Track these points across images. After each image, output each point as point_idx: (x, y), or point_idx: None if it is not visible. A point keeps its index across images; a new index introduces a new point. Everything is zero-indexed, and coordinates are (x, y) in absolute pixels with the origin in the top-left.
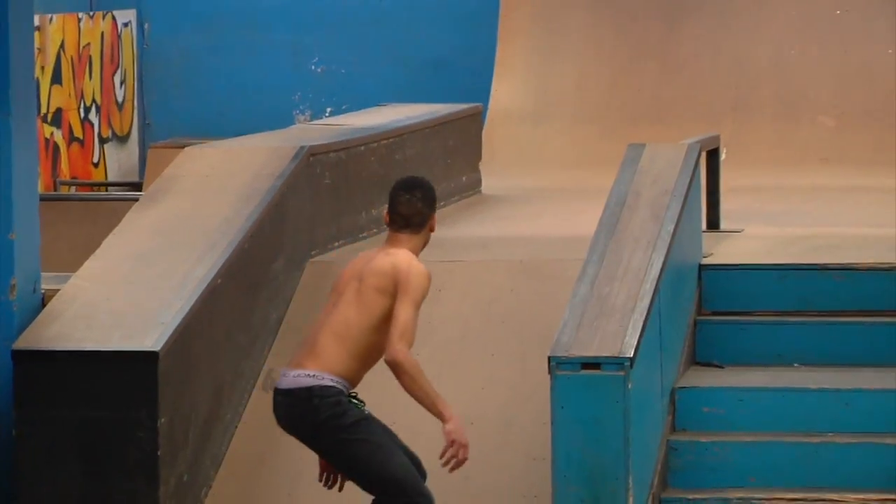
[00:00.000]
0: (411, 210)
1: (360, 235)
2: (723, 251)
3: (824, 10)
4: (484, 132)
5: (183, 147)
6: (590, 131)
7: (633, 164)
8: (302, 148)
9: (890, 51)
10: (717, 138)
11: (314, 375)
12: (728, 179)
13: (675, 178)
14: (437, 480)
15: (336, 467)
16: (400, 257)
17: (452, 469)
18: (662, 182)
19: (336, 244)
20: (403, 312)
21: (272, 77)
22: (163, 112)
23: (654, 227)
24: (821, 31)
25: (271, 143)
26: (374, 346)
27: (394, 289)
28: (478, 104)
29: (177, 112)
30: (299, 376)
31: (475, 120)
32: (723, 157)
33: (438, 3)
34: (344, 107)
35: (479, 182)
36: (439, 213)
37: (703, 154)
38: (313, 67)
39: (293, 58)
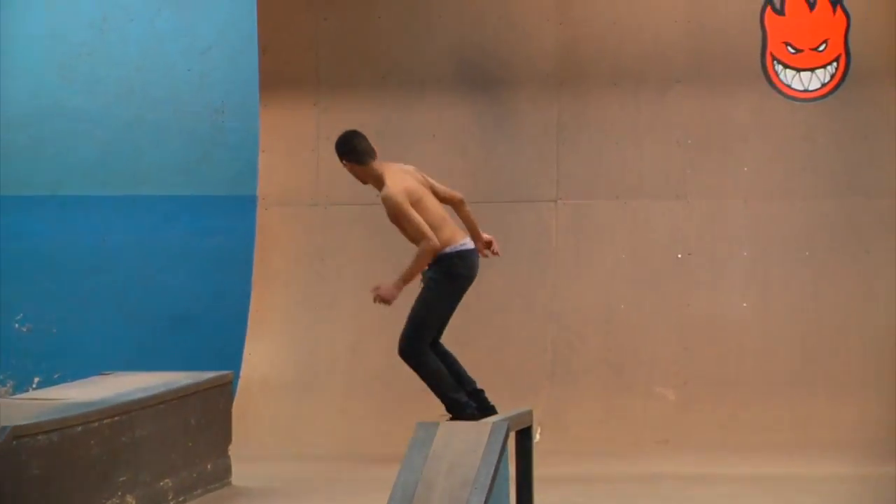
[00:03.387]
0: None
1: None
2: None
3: (663, 253)
4: (234, 406)
5: None
6: (368, 405)
7: (423, 446)
8: (3, 429)
9: (744, 304)
10: (529, 415)
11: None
12: (543, 466)
13: (477, 466)
14: None
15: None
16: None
17: (375, 299)
18: (461, 470)
19: None
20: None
21: None
22: None
23: None
24: (658, 277)
25: None
26: None
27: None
28: (227, 372)
29: None
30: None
31: (224, 392)
32: (537, 438)
33: (179, 241)
34: (56, 375)
35: (228, 470)
36: None
37: (513, 434)
38: (17, 326)
39: None
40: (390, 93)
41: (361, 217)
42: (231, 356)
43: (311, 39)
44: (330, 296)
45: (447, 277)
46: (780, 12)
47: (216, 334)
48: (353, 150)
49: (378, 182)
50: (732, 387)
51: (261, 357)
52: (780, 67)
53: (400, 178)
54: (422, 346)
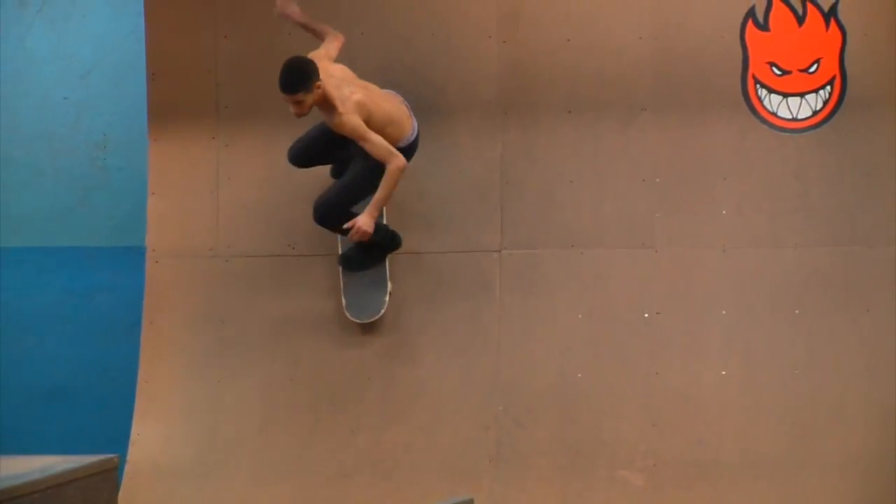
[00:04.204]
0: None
1: None
2: None
3: (627, 311)
4: (121, 497)
5: None
6: (279, 496)
7: None
8: None
9: (724, 372)
10: (469, 503)
11: None
12: None
13: None
14: None
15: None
16: None
17: (352, 235)
18: None
19: None
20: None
21: None
22: None
23: None
24: (622, 340)
25: None
26: None
27: None
28: (112, 456)
29: None
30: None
31: (108, 478)
32: None
33: (53, 300)
34: None
35: None
36: None
37: None
38: None
39: None
40: (304, 124)
41: (268, 270)
42: (116, 437)
43: (208, 61)
44: (233, 364)
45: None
46: (764, 27)
47: (98, 411)
48: (310, 75)
49: (326, 104)
50: (710, 469)
51: (151, 438)
52: (763, 92)
53: (347, 93)
54: (343, 219)
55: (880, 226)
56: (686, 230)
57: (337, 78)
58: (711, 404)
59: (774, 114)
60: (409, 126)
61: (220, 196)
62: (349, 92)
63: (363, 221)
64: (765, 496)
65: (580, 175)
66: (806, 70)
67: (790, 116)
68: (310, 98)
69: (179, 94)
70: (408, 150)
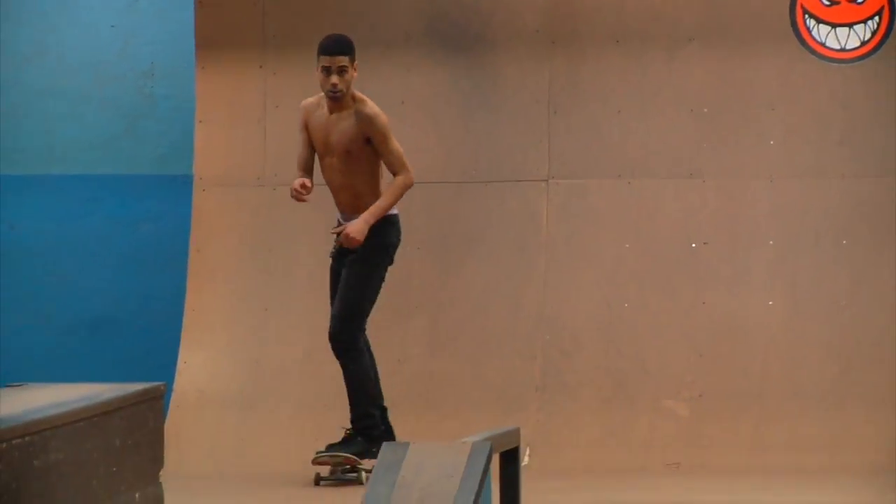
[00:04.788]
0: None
1: None
2: None
3: (674, 242)
4: (167, 425)
5: None
6: (324, 423)
7: (390, 471)
8: None
9: (770, 302)
10: (515, 434)
11: None
12: (532, 493)
13: (454, 494)
14: None
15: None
16: None
17: (343, 240)
18: (435, 500)
19: None
20: None
21: None
22: None
23: None
24: (668, 271)
25: None
26: None
27: None
28: (158, 384)
29: None
30: None
31: (154, 407)
32: (525, 461)
33: (100, 230)
34: None
35: (159, 500)
36: None
37: (496, 457)
38: None
39: None
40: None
41: (315, 198)
42: (163, 365)
43: None
44: (279, 293)
45: (383, 247)
46: None
47: (144, 340)
48: (355, 47)
49: (353, 97)
50: (755, 400)
51: (197, 366)
52: (812, 22)
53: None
54: (359, 333)
55: None
56: (733, 160)
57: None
58: (757, 335)
59: (822, 44)
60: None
61: (267, 124)
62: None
63: (354, 229)
64: (809, 427)
65: (627, 105)
66: (854, 0)
67: (838, 47)
68: (351, 72)
69: (227, 22)
70: (394, 222)
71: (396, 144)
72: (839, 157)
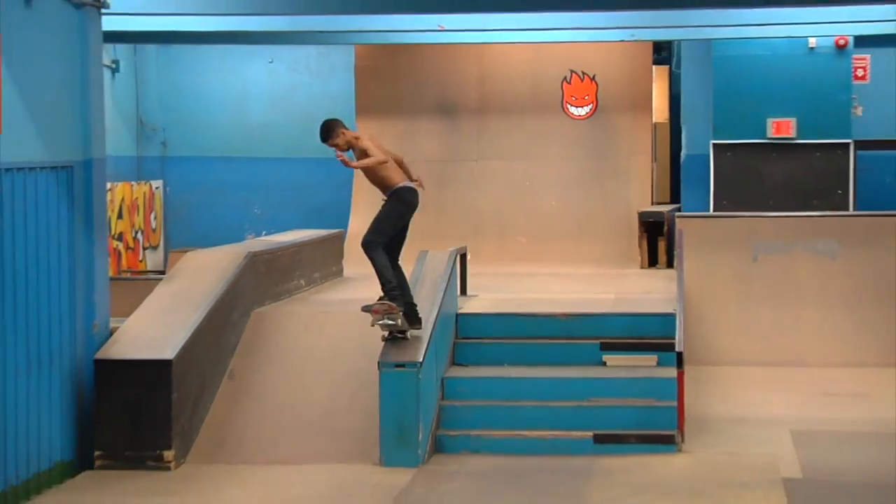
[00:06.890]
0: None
1: (280, 298)
2: (468, 305)
3: (522, 179)
4: (345, 244)
5: (186, 252)
6: None
7: (421, 260)
8: (249, 253)
9: (553, 203)
10: (464, 248)
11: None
12: (472, 269)
13: (444, 267)
14: (310, 427)
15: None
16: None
17: (341, 158)
18: (437, 269)
19: (267, 303)
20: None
21: (233, 216)
22: (175, 234)
23: (433, 294)
24: (516, 190)
25: (232, 251)
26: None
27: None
28: (341, 230)
29: (182, 234)
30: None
31: (339, 238)
32: (469, 257)
33: (322, 176)
34: (266, 231)
35: (341, 270)
36: (320, 287)
37: (458, 256)
38: (256, 211)
39: (244, 206)
40: None
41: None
42: (343, 223)
43: None
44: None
45: (398, 201)
46: None
47: (336, 215)
48: (332, 128)
49: (354, 145)
50: (556, 236)
51: (356, 224)
52: None
53: (363, 136)
54: (376, 244)
55: None
56: None
57: (365, 137)
58: None
59: None
60: (405, 179)
61: None
62: (365, 136)
63: (348, 162)
64: None
65: None
66: None
67: None
68: (340, 140)
69: None
70: (404, 191)
71: (374, 150)
72: None
